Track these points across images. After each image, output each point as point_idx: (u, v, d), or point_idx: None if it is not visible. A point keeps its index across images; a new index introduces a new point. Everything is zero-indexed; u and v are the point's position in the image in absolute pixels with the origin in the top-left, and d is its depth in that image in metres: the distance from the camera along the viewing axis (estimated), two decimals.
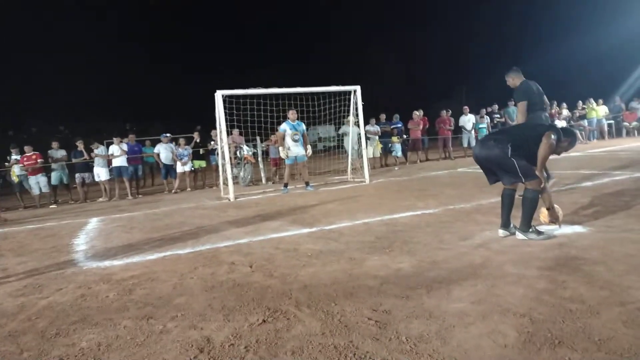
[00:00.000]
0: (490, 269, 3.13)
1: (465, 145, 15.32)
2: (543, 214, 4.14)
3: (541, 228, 3.94)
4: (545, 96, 5.79)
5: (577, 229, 4.01)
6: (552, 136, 3.77)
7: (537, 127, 4.42)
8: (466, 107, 15.68)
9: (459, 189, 7.40)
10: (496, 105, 16.15)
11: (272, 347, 2.19)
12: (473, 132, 15.26)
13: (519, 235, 3.87)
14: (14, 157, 11.64)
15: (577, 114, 17.45)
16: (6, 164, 11.73)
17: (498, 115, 15.92)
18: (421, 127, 14.76)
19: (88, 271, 4.13)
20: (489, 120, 15.47)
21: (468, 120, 15.26)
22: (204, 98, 11.37)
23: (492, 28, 39.37)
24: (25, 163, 11.26)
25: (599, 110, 17.25)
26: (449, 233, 4.33)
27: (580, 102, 17.77)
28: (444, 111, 15.39)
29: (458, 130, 15.63)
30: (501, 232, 4.04)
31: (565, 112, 17.11)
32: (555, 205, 4.02)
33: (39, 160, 11.35)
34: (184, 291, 3.22)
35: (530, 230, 3.84)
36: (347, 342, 2.18)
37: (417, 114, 14.87)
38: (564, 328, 2.12)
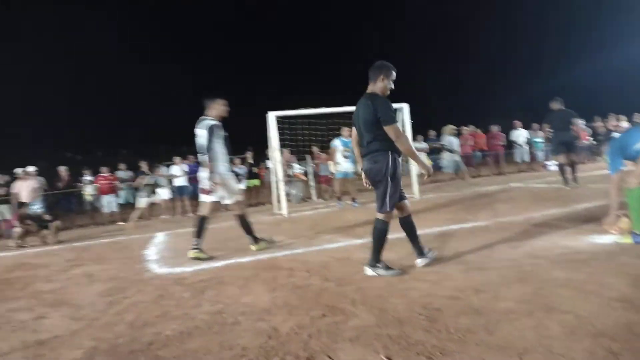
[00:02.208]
0: (539, 273, 3.25)
1: (519, 160, 15.11)
2: (607, 222, 4.17)
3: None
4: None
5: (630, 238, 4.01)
6: None
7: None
8: (517, 121, 15.44)
9: (510, 203, 7.39)
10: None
11: (332, 335, 2.46)
12: (527, 147, 15.02)
13: (368, 271, 3.68)
14: (86, 178, 12.72)
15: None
16: (79, 184, 12.80)
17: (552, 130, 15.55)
18: (471, 142, 14.69)
19: (162, 276, 4.58)
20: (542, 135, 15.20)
21: (519, 134, 15.04)
22: (254, 120, 12.08)
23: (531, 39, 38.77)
24: (101, 182, 12.29)
25: None
26: (499, 243, 4.44)
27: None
28: (494, 126, 15.26)
29: (512, 145, 15.38)
30: (419, 262, 3.86)
31: (626, 124, 16.40)
32: (620, 215, 4.04)
33: (114, 182, 12.38)
34: (250, 292, 3.57)
35: (379, 265, 3.66)
36: (399, 332, 2.41)
37: (466, 129, 14.83)
38: (607, 323, 2.24)
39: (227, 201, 5.41)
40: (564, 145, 8.83)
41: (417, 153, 3.70)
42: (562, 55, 37.12)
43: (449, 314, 2.63)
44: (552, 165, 14.54)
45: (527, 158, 15.24)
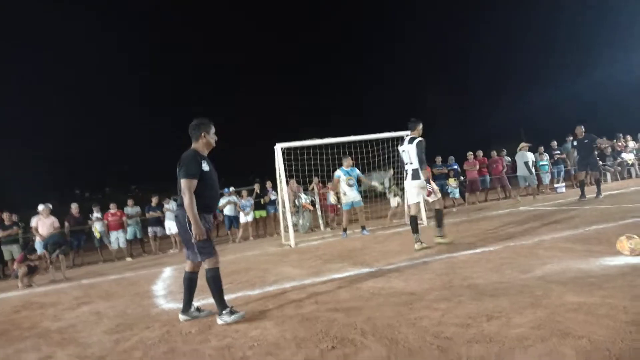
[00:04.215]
0: (551, 298, 3.19)
1: (526, 184, 15.04)
2: (621, 243, 4.11)
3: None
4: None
5: None
6: None
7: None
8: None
9: (520, 227, 7.32)
10: (555, 142, 15.86)
11: None
12: (534, 169, 14.98)
13: (218, 321, 3.73)
14: (95, 215, 12.77)
15: None
16: (89, 221, 12.87)
17: (558, 152, 15.59)
18: (477, 167, 14.68)
19: (170, 311, 4.55)
20: (548, 157, 15.21)
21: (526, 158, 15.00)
22: (261, 151, 12.30)
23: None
24: (110, 219, 12.34)
25: None
26: (510, 268, 4.38)
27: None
28: (494, 152, 15.34)
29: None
30: (181, 317, 4.03)
31: (632, 143, 16.34)
32: (635, 237, 4.00)
33: (123, 218, 12.41)
34: (258, 325, 3.52)
35: (224, 312, 3.71)
36: None
37: (472, 154, 14.84)
38: (623, 347, 2.19)
39: (433, 199, 6.56)
40: (587, 165, 10.74)
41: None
42: (563, 69, 37.09)
43: (460, 342, 2.57)
44: (561, 187, 14.46)
45: (534, 182, 15.16)
